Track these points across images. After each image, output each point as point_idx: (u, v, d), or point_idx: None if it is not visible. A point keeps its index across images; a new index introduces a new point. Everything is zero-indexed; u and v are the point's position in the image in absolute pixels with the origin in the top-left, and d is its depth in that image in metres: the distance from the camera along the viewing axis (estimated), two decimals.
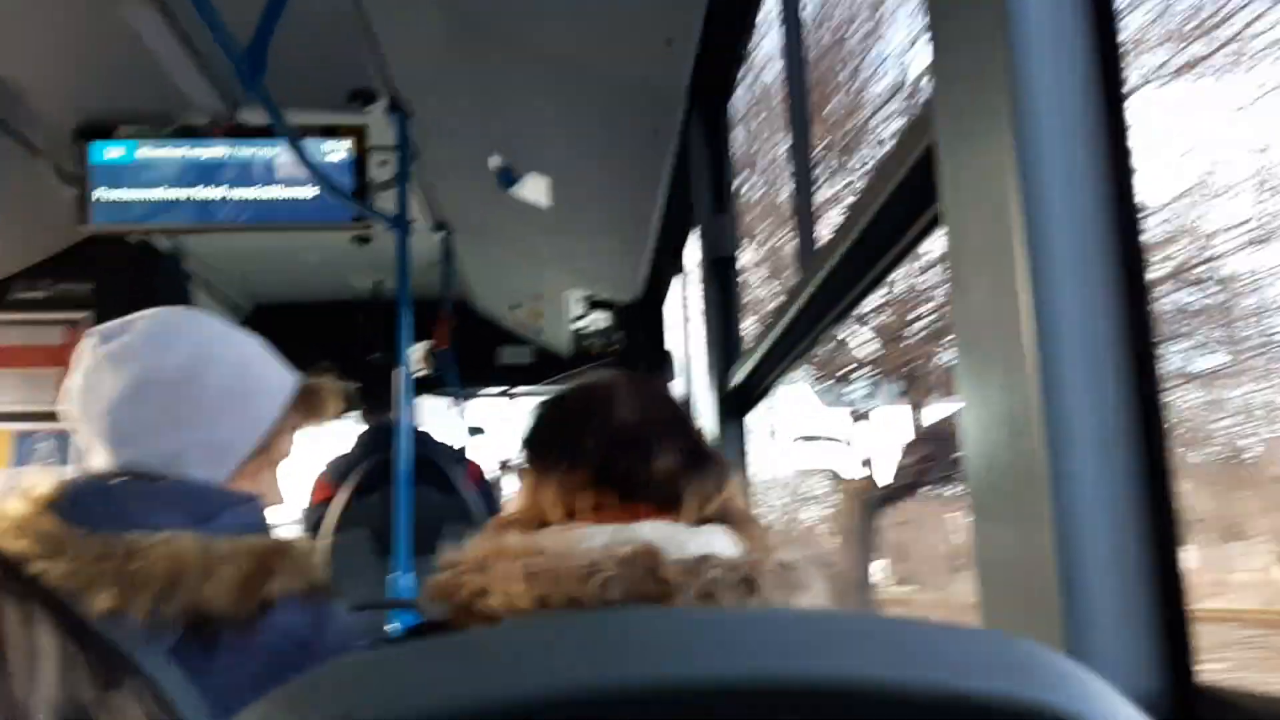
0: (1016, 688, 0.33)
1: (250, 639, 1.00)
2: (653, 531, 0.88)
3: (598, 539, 0.87)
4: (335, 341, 5.09)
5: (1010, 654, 0.34)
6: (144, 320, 1.16)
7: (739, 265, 2.53)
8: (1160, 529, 0.80)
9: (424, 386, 4.54)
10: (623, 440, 0.96)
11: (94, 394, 1.12)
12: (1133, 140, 0.83)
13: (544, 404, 1.06)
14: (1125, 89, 0.83)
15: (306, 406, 1.28)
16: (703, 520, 0.96)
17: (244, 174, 3.33)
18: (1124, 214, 0.82)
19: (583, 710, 0.31)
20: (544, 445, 1.00)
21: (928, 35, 1.00)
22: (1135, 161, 0.83)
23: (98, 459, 1.14)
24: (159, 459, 1.12)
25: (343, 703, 0.35)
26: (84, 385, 1.13)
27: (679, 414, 1.03)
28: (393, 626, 2.93)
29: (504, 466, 3.85)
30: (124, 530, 0.99)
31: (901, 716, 0.34)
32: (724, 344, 2.45)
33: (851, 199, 1.35)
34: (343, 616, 1.12)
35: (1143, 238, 0.83)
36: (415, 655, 0.37)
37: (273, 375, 1.24)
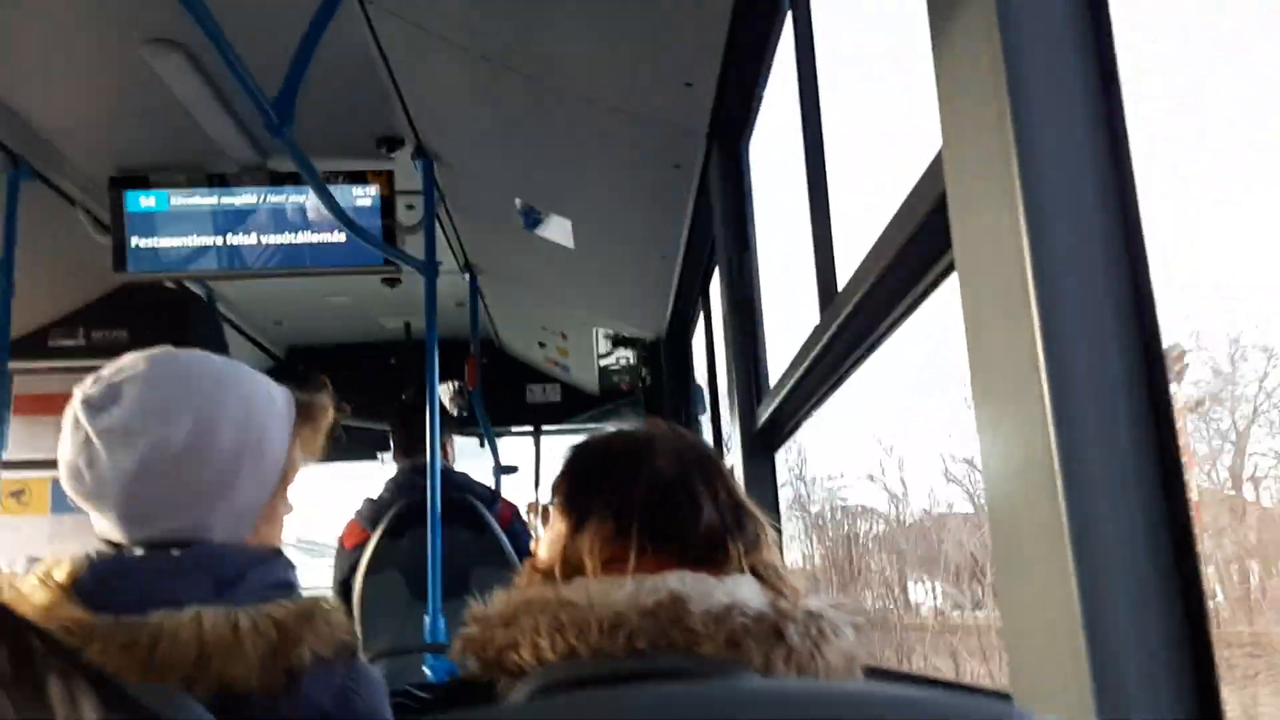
0: None
1: (279, 711, 1.00)
2: (679, 582, 0.88)
3: (625, 590, 0.87)
4: (367, 383, 5.15)
5: None
6: (132, 385, 1.08)
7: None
8: (1182, 572, 0.80)
9: (455, 425, 4.57)
10: (669, 493, 0.95)
11: (97, 473, 1.06)
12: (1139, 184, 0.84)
13: (579, 449, 1.06)
14: (1129, 134, 0.84)
15: (304, 422, 1.24)
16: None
17: (275, 220, 3.39)
18: (1133, 258, 0.83)
19: None
20: (582, 493, 1.00)
21: (935, 85, 1.01)
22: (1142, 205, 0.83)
23: (113, 531, 1.09)
24: (181, 533, 1.09)
25: None
26: (84, 463, 1.07)
27: (718, 467, 1.02)
28: (427, 671, 2.93)
29: (533, 509, 3.85)
30: (147, 609, 0.98)
31: None
32: (750, 382, 2.46)
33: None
34: (371, 679, 1.11)
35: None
36: None
37: (273, 408, 1.18)
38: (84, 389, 1.09)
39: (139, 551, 1.07)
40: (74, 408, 1.08)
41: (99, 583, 1.02)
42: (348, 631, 1.08)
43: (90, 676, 0.40)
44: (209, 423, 1.09)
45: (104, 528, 1.10)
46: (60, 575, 1.03)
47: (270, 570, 1.10)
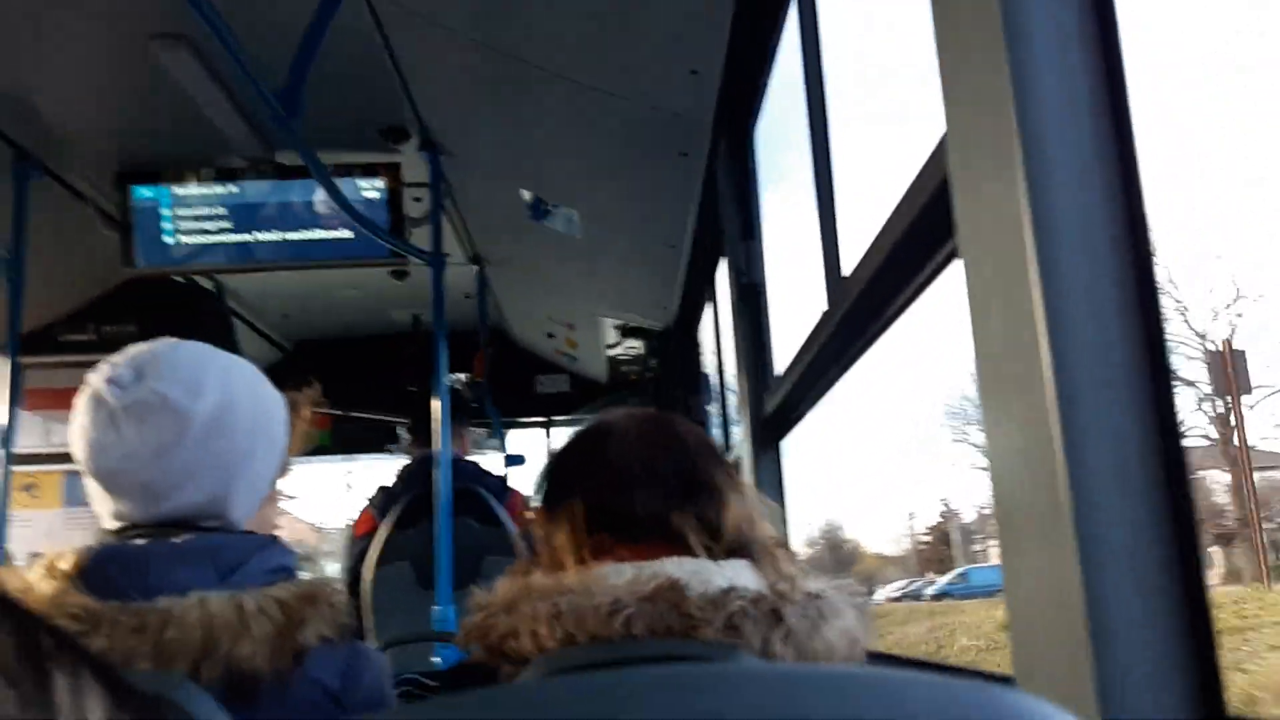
0: None
1: (285, 691, 1.02)
2: (676, 567, 0.89)
3: (622, 576, 0.88)
4: (376, 375, 5.16)
5: (1000, 708, 0.35)
6: (156, 364, 1.12)
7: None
8: (1184, 558, 0.80)
9: (465, 418, 4.59)
10: (607, 482, 0.96)
11: (126, 446, 1.09)
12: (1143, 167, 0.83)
13: (556, 449, 1.08)
14: (1133, 117, 0.83)
15: (293, 414, 1.27)
16: (729, 553, 0.96)
17: (282, 213, 3.40)
18: (1137, 242, 0.82)
19: None
20: (550, 489, 1.02)
21: (938, 69, 1.01)
22: (1146, 188, 0.83)
23: (119, 508, 1.12)
24: (204, 505, 1.12)
25: None
26: (110, 439, 1.09)
27: (673, 446, 1.01)
28: (436, 660, 2.95)
29: (526, 506, 3.86)
30: (153, 595, 1.00)
31: None
32: (757, 371, 2.46)
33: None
34: (374, 659, 1.14)
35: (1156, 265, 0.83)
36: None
37: (275, 394, 1.24)
38: (106, 370, 1.12)
39: (140, 541, 1.09)
40: (96, 387, 1.11)
41: (103, 571, 1.04)
42: (349, 613, 1.11)
43: (97, 671, 0.40)
44: (231, 399, 1.14)
45: (117, 508, 1.12)
46: (65, 565, 1.04)
47: (271, 555, 1.13)
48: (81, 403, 1.12)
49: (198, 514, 1.12)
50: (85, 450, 1.11)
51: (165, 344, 1.15)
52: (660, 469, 0.97)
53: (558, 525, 0.97)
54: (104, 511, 1.13)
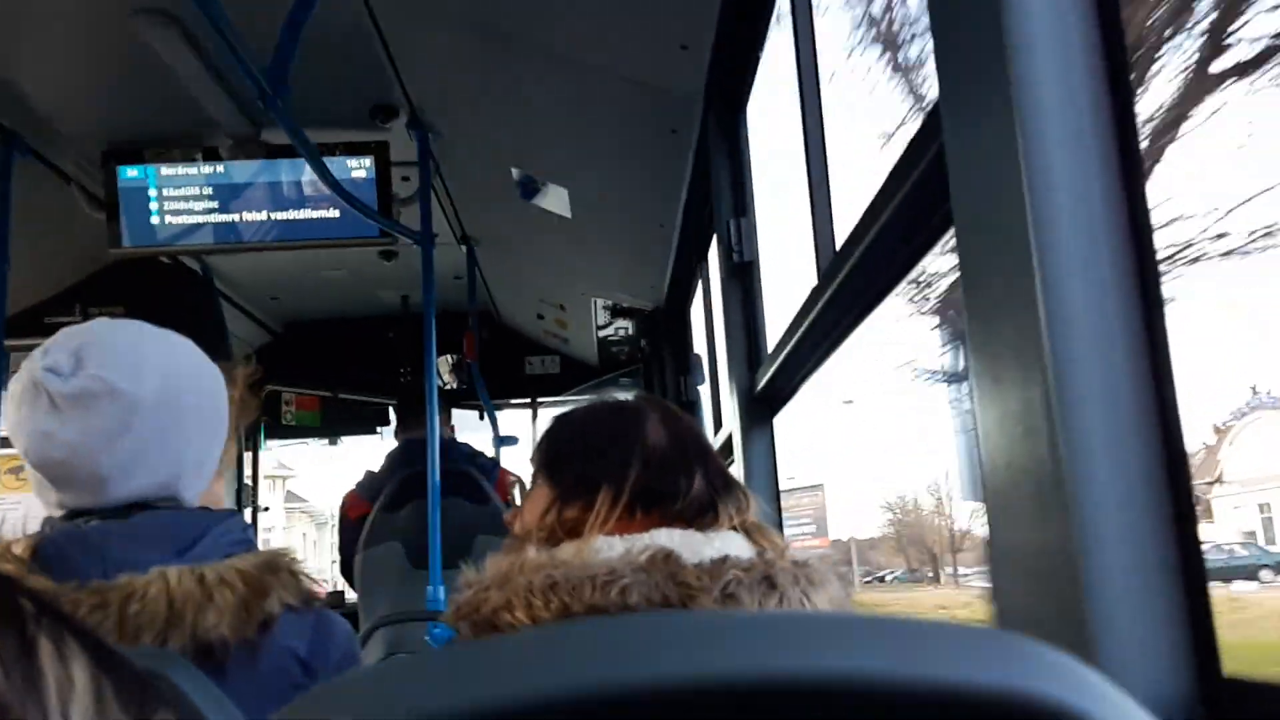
0: (1008, 679, 0.33)
1: (255, 660, 1.02)
2: (668, 539, 0.90)
3: (616, 548, 0.89)
4: (366, 357, 5.15)
5: (1003, 647, 0.35)
6: (94, 350, 1.08)
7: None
8: (1180, 523, 0.80)
9: (453, 399, 4.58)
10: (660, 463, 0.98)
11: (71, 436, 1.05)
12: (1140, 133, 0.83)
13: (563, 420, 1.08)
14: (1131, 80, 0.83)
15: (230, 385, 1.24)
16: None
17: (270, 193, 3.37)
18: (1133, 207, 0.82)
19: (585, 710, 0.32)
20: (572, 462, 1.01)
21: (931, 34, 1.00)
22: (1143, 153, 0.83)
23: (65, 497, 1.09)
24: (156, 489, 1.11)
25: (360, 707, 0.35)
26: (54, 428, 1.05)
27: (703, 438, 1.05)
28: (427, 640, 2.95)
29: (515, 482, 3.86)
30: (112, 574, 0.99)
31: (899, 711, 0.34)
32: (748, 347, 2.46)
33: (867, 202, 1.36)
34: (341, 625, 1.14)
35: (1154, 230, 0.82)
36: (430, 661, 0.38)
37: (214, 373, 1.21)
38: (42, 359, 1.07)
39: (94, 522, 1.07)
40: (34, 375, 1.06)
41: (59, 553, 1.03)
42: (311, 580, 1.11)
43: (80, 636, 0.40)
44: (174, 379, 1.12)
45: (63, 497, 1.09)
46: (19, 550, 1.03)
47: (228, 528, 1.12)
48: (18, 392, 1.08)
49: (150, 497, 1.11)
50: (27, 441, 1.07)
51: (100, 325, 1.12)
52: (701, 459, 1.01)
53: (573, 499, 0.98)
54: (50, 501, 1.11)
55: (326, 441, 5.67)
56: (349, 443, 5.69)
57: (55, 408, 1.05)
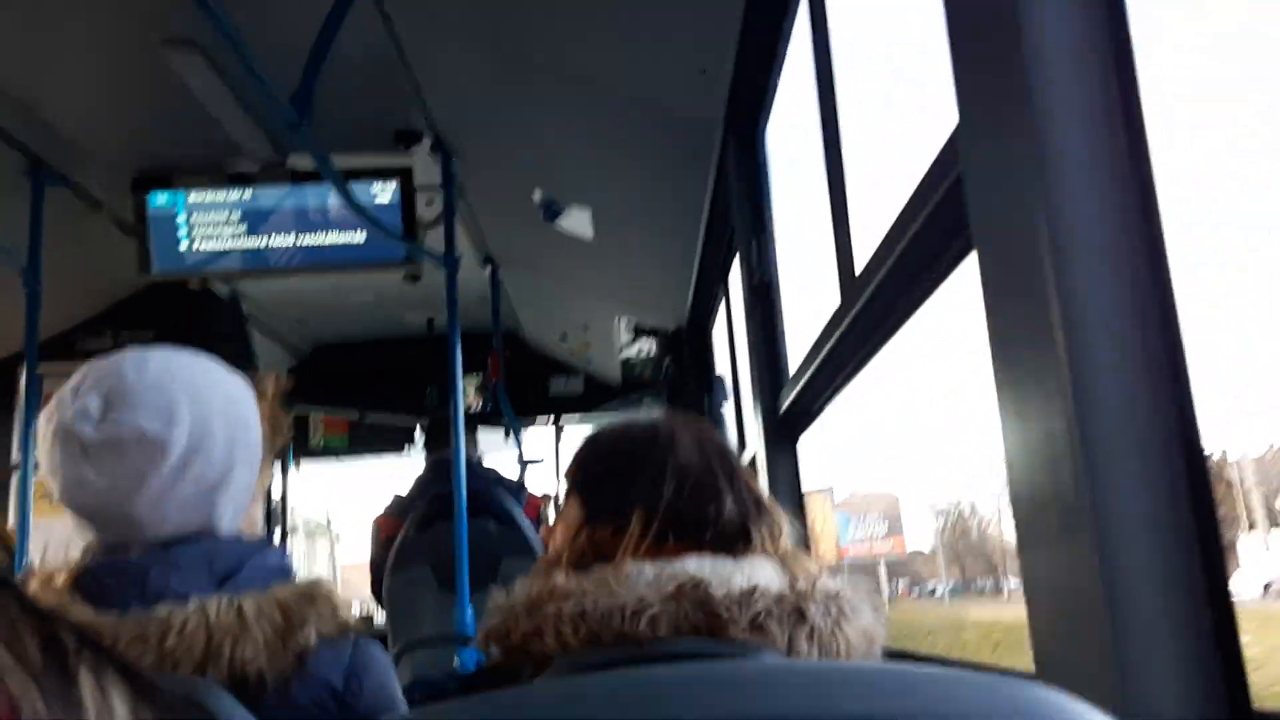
0: None
1: (289, 692, 1.02)
2: (697, 567, 0.89)
3: (645, 575, 0.88)
4: (392, 378, 5.18)
5: (1023, 701, 0.34)
6: (124, 391, 1.07)
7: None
8: (1205, 551, 0.79)
9: (479, 420, 4.59)
10: (696, 485, 0.97)
11: (104, 482, 1.05)
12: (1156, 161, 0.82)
13: (595, 440, 1.07)
14: (1145, 110, 0.82)
15: (260, 400, 1.23)
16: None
17: (296, 218, 3.40)
18: (1151, 234, 0.81)
19: None
20: (603, 483, 1.01)
21: (950, 60, 1.00)
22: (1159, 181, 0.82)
23: (103, 536, 1.09)
24: (190, 526, 1.10)
25: None
26: (89, 474, 1.05)
27: (737, 460, 1.04)
28: (459, 663, 2.95)
29: (547, 500, 3.86)
30: (151, 604, 1.00)
31: None
32: (771, 369, 2.45)
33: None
34: (378, 657, 1.13)
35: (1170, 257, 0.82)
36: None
37: (246, 393, 1.19)
38: (73, 402, 1.07)
39: (134, 552, 1.07)
40: (63, 420, 1.06)
41: (100, 584, 1.03)
42: (349, 611, 1.11)
43: (120, 669, 0.40)
44: (206, 419, 1.10)
45: (102, 536, 1.10)
46: (60, 580, 1.04)
47: (266, 558, 1.12)
48: (48, 434, 1.07)
49: (187, 535, 1.10)
50: (60, 486, 1.07)
51: (129, 364, 1.10)
52: (734, 480, 0.99)
53: (604, 520, 0.97)
54: (89, 536, 1.11)
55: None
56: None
57: (86, 454, 1.05)
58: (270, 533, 4.76)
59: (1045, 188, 0.82)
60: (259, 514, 1.25)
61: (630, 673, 0.38)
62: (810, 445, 2.40)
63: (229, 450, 1.12)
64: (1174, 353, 0.80)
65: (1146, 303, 0.81)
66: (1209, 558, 0.79)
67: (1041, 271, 0.82)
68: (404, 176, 3.34)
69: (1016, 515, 0.92)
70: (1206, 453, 0.82)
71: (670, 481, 0.96)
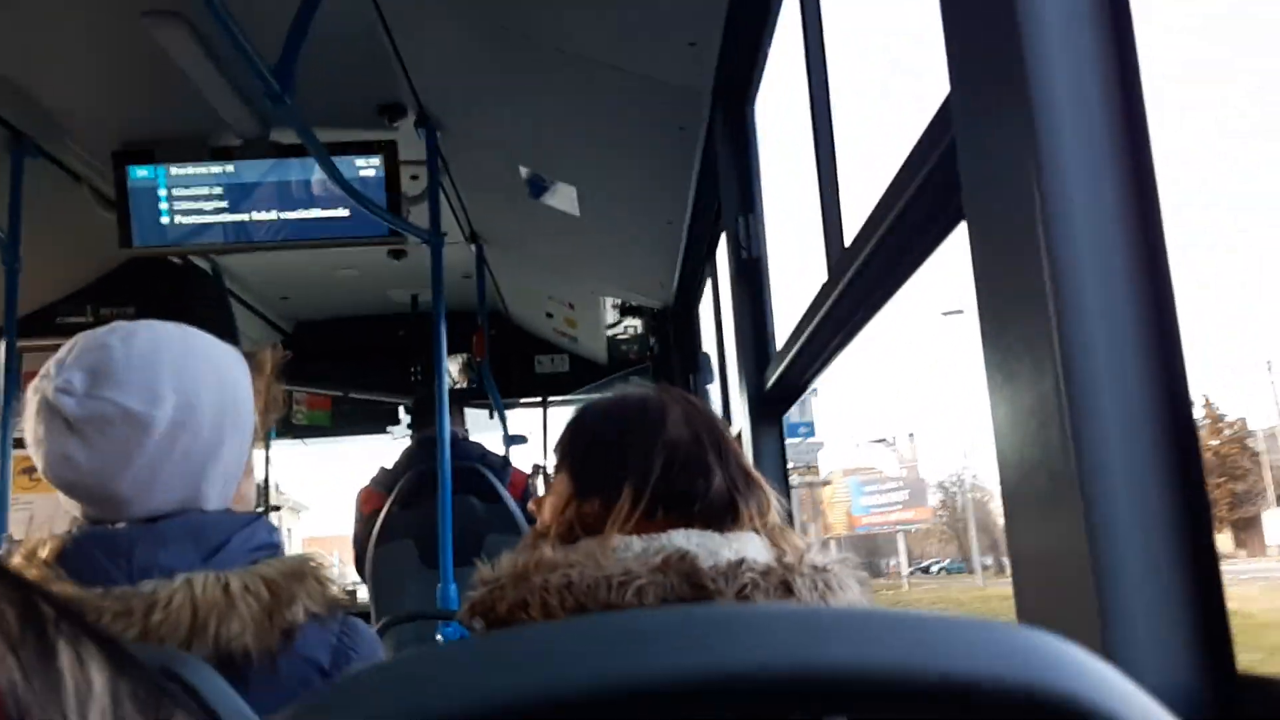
0: (1025, 674, 0.33)
1: (276, 669, 1.01)
2: (685, 539, 0.90)
3: (632, 548, 0.89)
4: (376, 356, 5.16)
5: (1020, 642, 0.34)
6: (109, 369, 1.05)
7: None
8: (1192, 517, 0.80)
9: (464, 397, 4.59)
10: (682, 461, 0.97)
11: (89, 458, 1.04)
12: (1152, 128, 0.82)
13: (586, 413, 1.07)
14: (1142, 78, 0.82)
15: (257, 375, 1.21)
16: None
17: (279, 193, 3.37)
18: (1146, 205, 0.82)
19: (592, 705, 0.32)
20: (592, 457, 1.01)
21: (942, 30, 1.00)
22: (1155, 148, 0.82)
23: (88, 510, 1.08)
24: (176, 503, 1.09)
25: (370, 706, 0.35)
26: (73, 450, 1.04)
27: (727, 434, 1.04)
28: (439, 639, 2.96)
29: (536, 472, 3.87)
30: (137, 579, 0.99)
31: (915, 707, 0.34)
32: (757, 345, 2.45)
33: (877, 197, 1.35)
34: (365, 634, 1.12)
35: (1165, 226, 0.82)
36: (440, 656, 0.37)
37: (238, 367, 1.17)
38: (55, 374, 1.05)
39: (121, 525, 1.06)
40: (47, 394, 1.05)
41: (85, 558, 1.02)
42: (338, 588, 1.10)
43: (98, 640, 0.40)
44: (192, 395, 1.08)
45: (86, 510, 1.09)
46: (45, 553, 1.02)
47: (254, 533, 1.10)
48: (32, 408, 1.06)
49: (173, 511, 1.09)
50: (44, 461, 1.06)
51: (115, 337, 1.07)
52: (723, 455, 0.99)
53: (592, 494, 0.97)
54: (73, 510, 1.10)
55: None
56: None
57: (70, 429, 1.03)
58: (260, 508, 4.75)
59: (1038, 156, 0.82)
60: (251, 489, 1.23)
61: (608, 615, 0.38)
62: (828, 408, 2.40)
63: (217, 425, 1.11)
64: (1164, 320, 0.80)
65: (1138, 271, 0.81)
66: (1195, 524, 0.80)
67: (1034, 240, 0.82)
68: (388, 151, 3.31)
69: (1004, 481, 0.92)
70: (1194, 419, 0.82)
71: (659, 456, 0.97)
